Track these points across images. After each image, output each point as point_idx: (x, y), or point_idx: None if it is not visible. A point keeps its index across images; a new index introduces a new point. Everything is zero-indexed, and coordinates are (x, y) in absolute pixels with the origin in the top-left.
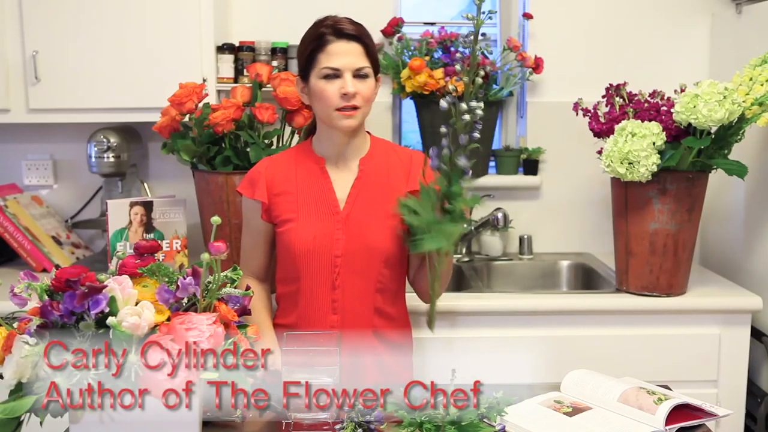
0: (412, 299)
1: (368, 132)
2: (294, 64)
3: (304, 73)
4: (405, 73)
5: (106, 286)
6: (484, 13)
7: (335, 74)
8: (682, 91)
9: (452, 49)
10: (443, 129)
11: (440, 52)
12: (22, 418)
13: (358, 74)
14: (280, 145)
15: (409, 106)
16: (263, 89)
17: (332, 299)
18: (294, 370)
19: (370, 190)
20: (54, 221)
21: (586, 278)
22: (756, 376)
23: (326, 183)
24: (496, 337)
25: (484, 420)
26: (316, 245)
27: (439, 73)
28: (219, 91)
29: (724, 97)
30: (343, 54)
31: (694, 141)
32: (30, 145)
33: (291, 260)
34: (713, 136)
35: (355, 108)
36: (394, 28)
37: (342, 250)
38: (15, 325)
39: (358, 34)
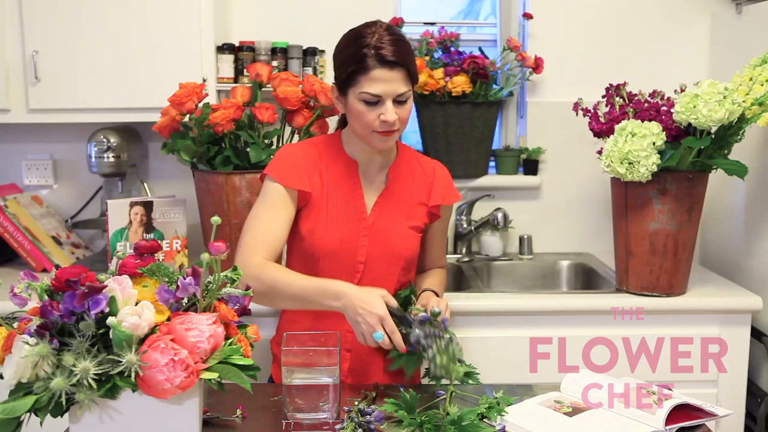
0: None
1: None
2: (294, 64)
3: (342, 87)
4: None
5: (106, 286)
6: None
7: (376, 100)
8: (682, 91)
9: (452, 49)
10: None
11: (440, 52)
12: (22, 418)
13: (399, 99)
14: (280, 145)
15: None
16: (263, 89)
17: None
18: (294, 370)
19: (396, 198)
20: (54, 221)
21: (586, 278)
22: (756, 376)
23: (356, 187)
24: (496, 337)
25: (484, 420)
26: (342, 248)
27: (439, 73)
28: (219, 91)
29: (724, 97)
30: (386, 81)
31: (694, 141)
32: (30, 145)
33: (313, 261)
34: (713, 136)
35: (393, 131)
36: None
37: (365, 256)
38: (15, 325)
39: (401, 60)
